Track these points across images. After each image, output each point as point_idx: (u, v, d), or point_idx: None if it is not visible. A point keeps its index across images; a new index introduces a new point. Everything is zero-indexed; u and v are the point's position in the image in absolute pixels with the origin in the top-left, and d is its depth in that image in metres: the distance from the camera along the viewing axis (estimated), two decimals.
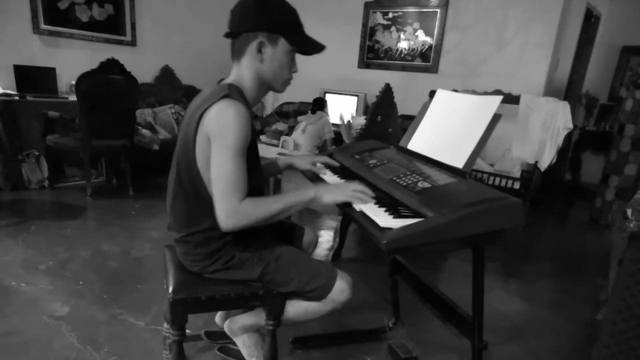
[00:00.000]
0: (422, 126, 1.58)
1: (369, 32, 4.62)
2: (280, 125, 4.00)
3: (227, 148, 1.07)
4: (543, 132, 3.29)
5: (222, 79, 1.24)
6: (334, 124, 3.69)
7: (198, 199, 1.18)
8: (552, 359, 1.82)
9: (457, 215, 1.03)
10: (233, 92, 1.13)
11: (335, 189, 1.21)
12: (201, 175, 1.15)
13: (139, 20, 4.28)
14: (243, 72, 1.20)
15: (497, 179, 3.39)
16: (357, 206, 1.15)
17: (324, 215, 3.33)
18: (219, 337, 1.65)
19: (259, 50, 1.16)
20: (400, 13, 4.39)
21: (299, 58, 1.24)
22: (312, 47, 1.23)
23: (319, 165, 1.57)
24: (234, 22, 1.17)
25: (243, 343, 1.45)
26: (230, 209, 1.08)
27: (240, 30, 1.16)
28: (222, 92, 1.12)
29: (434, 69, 4.26)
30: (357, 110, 4.42)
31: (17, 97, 3.28)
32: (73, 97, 3.26)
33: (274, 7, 1.16)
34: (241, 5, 1.17)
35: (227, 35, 1.20)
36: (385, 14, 4.48)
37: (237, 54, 1.20)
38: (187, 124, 1.17)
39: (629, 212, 1.30)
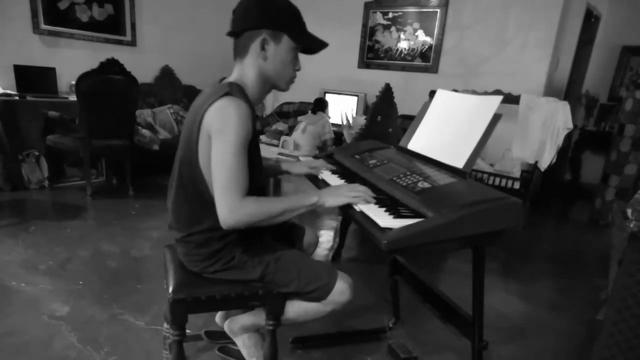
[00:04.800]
0: (422, 126, 1.58)
1: (369, 32, 4.62)
2: (280, 125, 4.00)
3: (228, 144, 1.07)
4: (543, 132, 3.29)
5: (224, 78, 1.23)
6: (334, 124, 3.69)
7: (199, 199, 1.18)
8: (552, 359, 1.82)
9: (457, 215, 1.03)
10: (234, 90, 1.13)
11: (336, 192, 1.21)
12: (203, 175, 1.15)
13: (139, 20, 4.28)
14: (246, 71, 1.20)
15: (497, 179, 3.39)
16: (358, 206, 1.15)
17: (324, 215, 3.33)
18: (219, 337, 1.65)
19: (262, 48, 1.16)
20: (400, 13, 4.39)
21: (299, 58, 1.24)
22: (316, 44, 1.23)
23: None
24: (236, 21, 1.17)
25: (243, 343, 1.46)
26: (232, 204, 1.07)
27: (243, 28, 1.16)
28: (223, 90, 1.12)
29: (434, 69, 4.26)
30: (357, 110, 4.42)
31: (17, 97, 3.28)
32: (73, 97, 3.26)
33: (277, 4, 1.16)
34: (244, 4, 1.17)
35: (229, 34, 1.20)
36: (385, 14, 4.48)
37: (239, 52, 1.19)
38: (190, 124, 1.17)
39: (629, 212, 1.30)
